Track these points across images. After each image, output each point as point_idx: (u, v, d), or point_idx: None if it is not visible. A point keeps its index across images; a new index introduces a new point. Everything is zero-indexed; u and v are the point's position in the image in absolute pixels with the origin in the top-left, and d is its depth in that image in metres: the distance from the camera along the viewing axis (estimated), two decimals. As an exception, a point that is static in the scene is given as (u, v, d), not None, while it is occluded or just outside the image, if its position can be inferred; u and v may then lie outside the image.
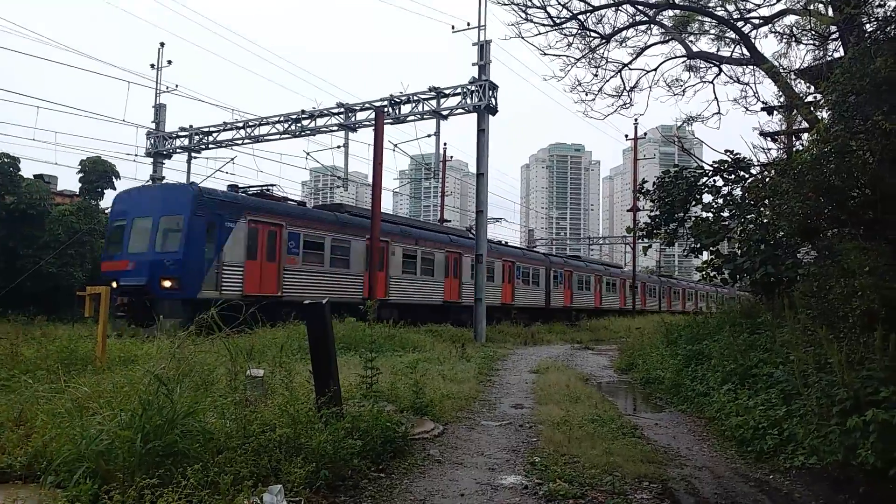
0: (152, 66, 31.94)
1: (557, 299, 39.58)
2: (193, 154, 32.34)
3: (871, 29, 11.33)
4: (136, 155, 31.39)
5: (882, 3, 12.02)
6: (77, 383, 6.11)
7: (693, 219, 14.52)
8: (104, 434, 4.53)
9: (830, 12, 12.99)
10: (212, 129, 31.03)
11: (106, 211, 26.93)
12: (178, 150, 32.53)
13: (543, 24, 16.58)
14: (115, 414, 4.83)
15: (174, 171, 29.91)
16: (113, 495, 3.99)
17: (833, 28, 13.43)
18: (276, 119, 28.89)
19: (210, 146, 31.50)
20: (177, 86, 31.68)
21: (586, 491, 5.38)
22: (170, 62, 32.18)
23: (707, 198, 14.33)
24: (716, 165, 13.96)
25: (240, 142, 30.20)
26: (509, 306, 33.34)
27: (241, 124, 29.96)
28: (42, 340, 9.95)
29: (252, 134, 29.72)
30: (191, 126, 31.76)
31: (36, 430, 5.12)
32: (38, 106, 23.66)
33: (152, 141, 32.40)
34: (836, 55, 13.21)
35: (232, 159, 30.28)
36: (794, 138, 14.65)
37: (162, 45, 32.15)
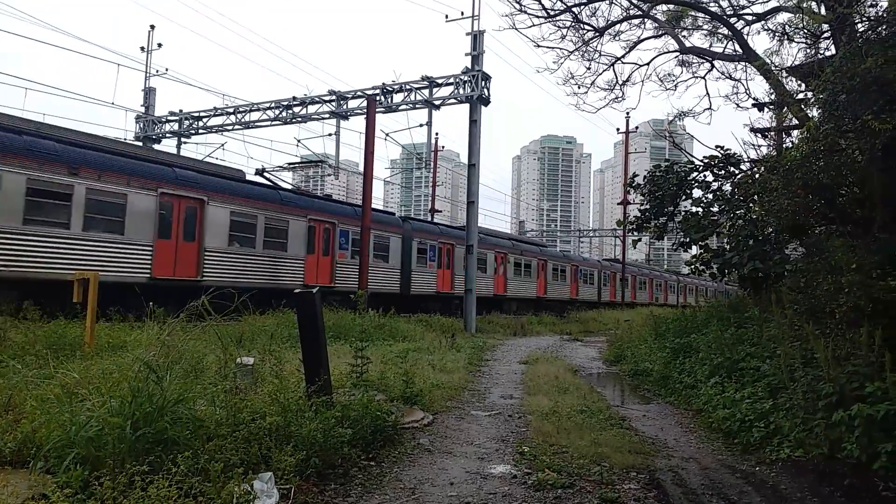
0: (142, 48, 31.67)
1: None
2: (183, 139, 32.10)
3: (862, 28, 11.39)
4: (125, 139, 31.09)
5: (874, 3, 12.09)
6: (66, 369, 6.08)
7: (683, 213, 14.61)
8: (94, 420, 4.51)
9: (823, 11, 13.03)
10: (202, 114, 30.81)
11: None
12: (167, 135, 32.27)
13: (537, 16, 16.55)
14: (104, 400, 4.82)
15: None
16: (103, 481, 3.98)
17: (825, 27, 13.49)
18: (267, 105, 28.71)
19: (200, 131, 31.28)
20: (167, 69, 31.54)
21: (575, 480, 5.43)
22: (160, 45, 31.93)
23: (697, 193, 14.42)
24: (706, 161, 14.03)
25: (230, 127, 30.02)
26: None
27: (231, 110, 29.77)
28: (30, 325, 9.87)
29: (243, 120, 29.53)
30: (181, 111, 31.51)
31: (25, 416, 5.09)
32: (26, 88, 23.42)
33: (142, 125, 32.13)
34: (828, 54, 13.27)
35: (222, 145, 30.13)
36: (784, 135, 14.75)
37: (152, 27, 31.86)
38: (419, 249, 27.63)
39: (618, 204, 46.85)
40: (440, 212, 46.05)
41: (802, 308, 8.03)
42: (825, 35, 14.01)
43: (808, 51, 14.93)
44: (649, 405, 9.71)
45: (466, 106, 24.34)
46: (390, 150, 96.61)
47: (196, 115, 31.05)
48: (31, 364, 6.93)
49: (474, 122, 24.03)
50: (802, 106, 13.24)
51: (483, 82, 23.96)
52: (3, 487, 4.18)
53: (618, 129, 48.12)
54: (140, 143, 30.56)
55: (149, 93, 32.23)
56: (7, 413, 5.43)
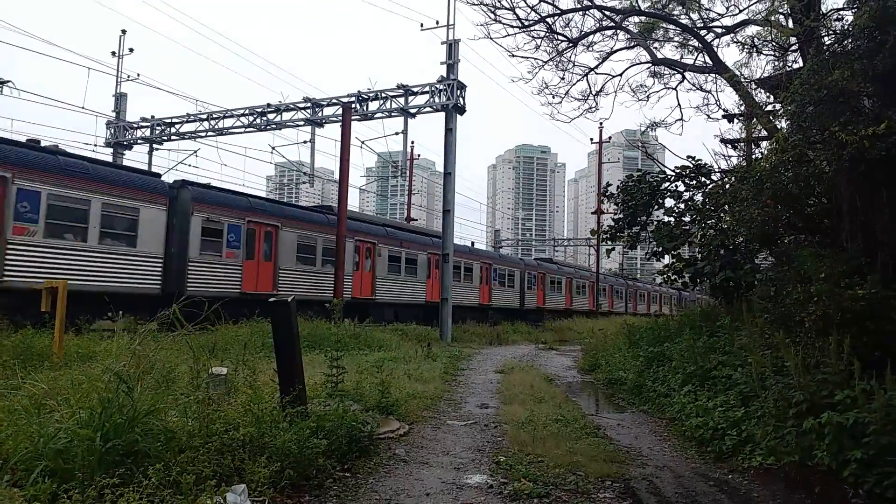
0: (113, 53, 31.21)
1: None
2: (155, 145, 31.69)
3: (829, 42, 11.66)
4: (95, 145, 30.60)
5: (840, 17, 12.40)
6: (34, 380, 5.94)
7: (655, 223, 14.77)
8: (63, 432, 4.42)
9: (791, 24, 13.32)
10: (174, 120, 30.48)
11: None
12: (139, 141, 31.84)
13: (512, 26, 16.67)
14: (73, 412, 4.72)
15: (135, 161, 29.32)
16: (72, 495, 3.89)
17: (793, 40, 13.78)
18: (241, 112, 28.50)
19: (173, 137, 30.93)
20: (139, 75, 31.05)
21: (550, 490, 5.44)
22: (131, 50, 31.50)
23: (669, 202, 14.58)
24: (678, 171, 14.21)
25: (203, 134, 29.71)
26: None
27: (204, 116, 29.47)
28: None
29: (216, 126, 29.26)
30: (153, 116, 31.14)
31: (-10, 428, 4.96)
32: (-9, 91, 22.81)
33: (112, 131, 31.66)
34: (796, 66, 13.55)
35: (195, 152, 29.83)
36: (753, 146, 15.00)
37: (123, 32, 31.43)
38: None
39: (591, 213, 47.31)
40: (416, 220, 46.00)
41: (773, 317, 8.15)
42: (793, 48, 14.31)
43: (777, 63, 15.24)
44: (624, 414, 9.77)
45: (442, 114, 24.41)
46: (366, 157, 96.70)
47: (168, 121, 30.70)
48: (-3, 375, 6.76)
49: (450, 131, 24.10)
50: (771, 117, 13.49)
51: (458, 91, 24.06)
52: (-33, 502, 4.06)
53: (591, 139, 48.74)
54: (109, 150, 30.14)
55: (120, 98, 31.78)
56: (-29, 425, 5.28)
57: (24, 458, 4.33)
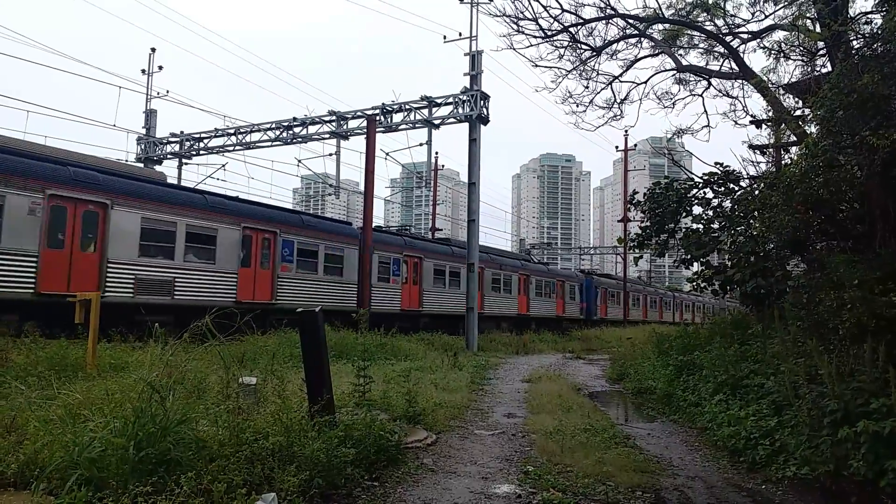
0: (143, 71, 31.93)
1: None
2: (184, 160, 32.24)
3: (857, 45, 11.49)
4: (126, 160, 31.23)
5: (868, 20, 12.21)
6: (68, 390, 6.07)
7: (683, 230, 14.62)
8: (97, 441, 4.50)
9: (818, 28, 13.14)
10: (203, 135, 30.98)
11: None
12: (168, 156, 32.42)
13: (535, 36, 16.66)
14: (107, 421, 4.80)
15: (166, 177, 29.95)
16: (106, 503, 3.96)
17: (821, 44, 13.60)
18: (268, 126, 28.86)
19: (201, 152, 31.43)
20: (168, 91, 31.84)
21: (580, 500, 5.40)
22: (161, 67, 32.18)
23: (697, 209, 14.44)
24: (706, 177, 14.07)
25: (231, 148, 30.16)
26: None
27: (232, 131, 29.92)
28: (32, 347, 9.85)
29: (243, 141, 29.67)
30: (182, 132, 31.68)
31: (28, 437, 5.07)
32: (27, 110, 23.45)
33: (143, 146, 32.28)
34: (824, 70, 13.36)
35: (223, 166, 30.28)
36: (782, 152, 14.80)
37: (153, 50, 32.15)
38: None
39: (618, 221, 46.95)
40: (441, 230, 46.11)
41: (805, 324, 8.02)
42: (821, 52, 14.11)
43: (805, 68, 15.03)
44: (653, 423, 9.65)
45: (466, 125, 24.48)
46: (390, 169, 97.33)
47: (197, 136, 31.22)
48: (34, 385, 6.91)
49: (474, 141, 24.15)
50: (800, 122, 13.30)
51: (482, 101, 24.12)
52: (5, 510, 4.16)
53: (616, 147, 48.42)
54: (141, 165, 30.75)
55: (150, 115, 32.43)
56: (10, 434, 5.41)
57: (59, 467, 4.43)
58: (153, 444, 4.55)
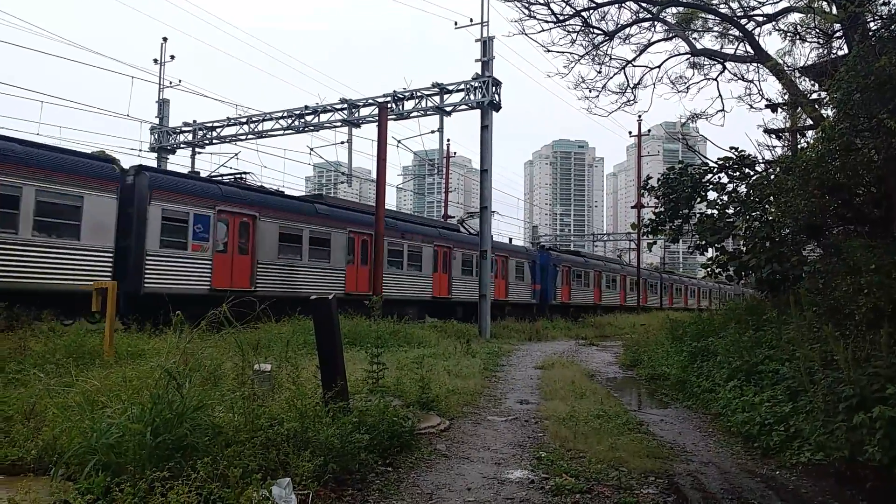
0: (155, 61, 32.07)
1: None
2: (197, 149, 32.38)
3: (875, 27, 11.31)
4: (140, 150, 31.59)
5: (886, 1, 12.00)
6: (86, 377, 6.14)
7: (698, 216, 14.52)
8: (115, 427, 4.55)
9: (834, 10, 12.94)
10: (215, 124, 31.09)
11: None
12: (181, 146, 32.58)
13: (547, 21, 16.55)
14: (125, 407, 4.86)
15: (178, 165, 30.16)
16: (124, 488, 4.01)
17: (837, 26, 13.40)
18: (280, 114, 28.91)
19: (214, 141, 31.56)
20: (180, 81, 31.89)
21: (593, 486, 5.41)
22: (173, 57, 32.31)
23: (712, 195, 14.32)
24: (720, 162, 13.95)
25: (243, 137, 30.26)
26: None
27: (244, 120, 30.00)
28: (50, 335, 9.98)
29: (256, 129, 29.75)
30: (194, 121, 31.81)
31: (46, 424, 5.15)
32: (42, 101, 23.68)
33: (156, 136, 32.45)
34: (841, 53, 13.17)
35: (236, 154, 30.43)
36: (798, 136, 14.63)
37: (165, 40, 32.26)
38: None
39: (631, 207, 46.76)
40: (453, 217, 46.05)
41: (821, 310, 7.95)
42: (837, 34, 13.91)
43: (821, 50, 14.84)
44: (667, 409, 9.64)
45: (478, 112, 24.38)
46: (402, 156, 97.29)
47: (209, 125, 31.33)
48: (52, 372, 7.00)
49: (486, 128, 24.06)
50: (816, 106, 13.15)
51: (493, 88, 24.01)
52: (25, 494, 4.22)
53: (630, 133, 48.04)
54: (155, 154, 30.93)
55: (163, 104, 32.58)
56: (29, 421, 5.50)
57: (77, 453, 4.49)
58: (170, 429, 4.60)
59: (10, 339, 9.33)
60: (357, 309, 18.94)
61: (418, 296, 26.93)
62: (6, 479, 4.59)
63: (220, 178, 22.85)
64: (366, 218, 23.99)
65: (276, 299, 14.53)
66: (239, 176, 23.16)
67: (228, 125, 30.60)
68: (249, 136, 30.03)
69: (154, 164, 31.96)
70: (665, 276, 58.13)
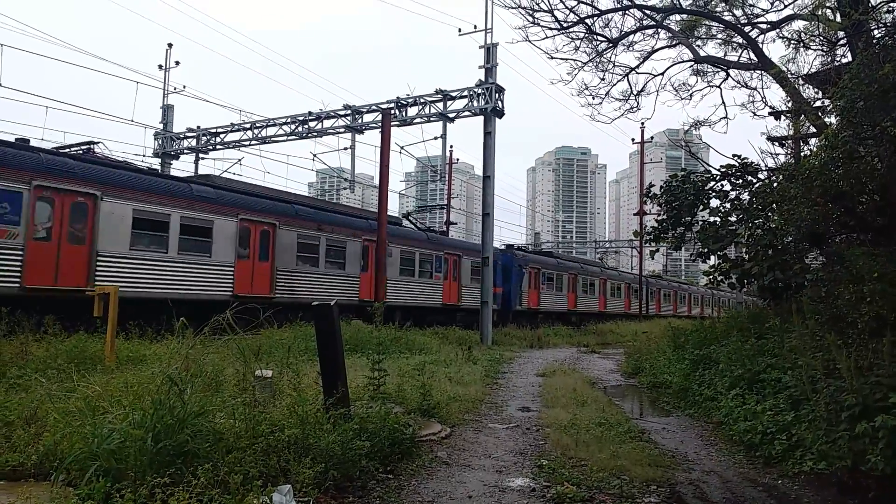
0: (160, 66, 32.13)
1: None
2: (201, 155, 32.46)
3: (879, 34, 11.32)
4: (144, 155, 31.46)
5: (890, 9, 12.02)
6: (88, 382, 6.14)
7: (700, 223, 14.50)
8: (116, 433, 4.55)
9: (838, 18, 12.96)
10: (219, 129, 31.14)
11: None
12: (185, 151, 32.65)
13: (550, 28, 16.62)
14: (126, 413, 4.86)
15: (182, 171, 30.18)
16: (125, 493, 4.01)
17: (841, 33, 13.41)
18: (283, 120, 28.97)
19: (217, 147, 31.61)
20: (184, 87, 31.89)
21: (594, 494, 5.39)
22: (177, 63, 32.39)
23: (714, 202, 14.31)
24: (723, 170, 13.94)
25: (247, 143, 30.31)
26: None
27: (248, 125, 30.04)
28: (51, 340, 9.99)
29: (259, 135, 29.80)
30: (198, 127, 31.88)
31: (47, 429, 5.15)
32: (46, 106, 23.77)
33: (160, 141, 32.53)
34: (845, 60, 13.18)
35: (239, 160, 30.41)
36: (801, 143, 14.63)
37: (170, 45, 32.33)
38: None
39: (634, 214, 46.64)
40: (455, 224, 46.06)
41: (824, 318, 7.93)
42: (841, 42, 13.92)
43: (825, 58, 14.85)
44: (669, 418, 9.61)
45: (481, 118, 24.42)
46: (405, 162, 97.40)
47: (213, 131, 31.40)
48: (54, 378, 7.00)
49: (489, 135, 24.08)
50: (820, 113, 13.14)
51: (497, 94, 24.04)
52: (25, 500, 4.22)
53: (633, 140, 48.04)
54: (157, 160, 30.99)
55: (167, 110, 32.66)
56: (30, 426, 5.50)
57: (78, 458, 4.49)
58: (171, 435, 4.60)
59: (11, 345, 9.33)
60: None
61: (344, 299, 22.17)
62: (7, 484, 4.59)
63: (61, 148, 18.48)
64: (264, 203, 20.05)
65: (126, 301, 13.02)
66: (87, 148, 19.60)
67: (232, 131, 30.66)
68: (253, 142, 30.08)
69: (158, 169, 32.08)
70: (652, 281, 54.73)
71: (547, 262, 38.19)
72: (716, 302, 62.59)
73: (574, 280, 39.63)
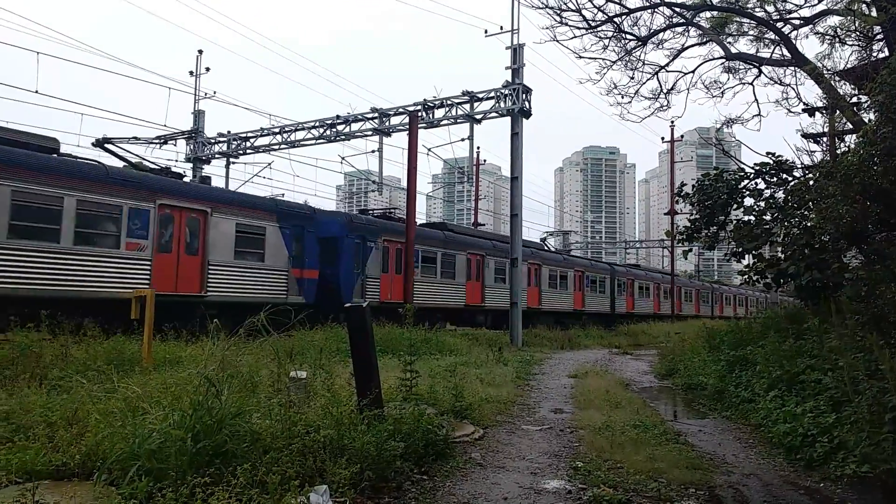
0: (191, 73, 32.63)
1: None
2: (232, 159, 32.88)
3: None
4: (176, 160, 32.03)
5: (928, 1, 11.69)
6: (127, 383, 6.25)
7: (734, 222, 14.27)
8: (156, 433, 4.62)
9: (875, 12, 12.67)
10: (249, 134, 31.53)
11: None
12: (216, 156, 33.11)
13: (578, 28, 16.48)
14: (166, 414, 4.94)
15: (213, 175, 30.45)
16: (166, 493, 4.07)
17: (878, 28, 13.11)
18: (312, 124, 29.21)
19: (248, 151, 32.01)
20: (215, 92, 32.34)
21: (631, 497, 5.32)
22: (208, 69, 32.85)
23: (748, 201, 14.06)
24: (757, 168, 13.70)
25: (277, 147, 30.62)
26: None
27: (277, 130, 30.37)
28: (90, 342, 10.19)
29: (288, 139, 30.10)
30: (229, 132, 32.31)
31: (89, 429, 5.25)
32: (82, 113, 24.43)
33: (192, 146, 33.04)
34: (882, 55, 12.89)
35: (269, 164, 30.77)
36: (838, 140, 14.32)
37: (200, 52, 32.84)
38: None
39: (664, 214, 46.12)
40: (483, 225, 46.02)
41: (864, 318, 7.76)
42: (878, 37, 13.62)
43: (861, 53, 14.54)
44: (705, 420, 9.46)
45: (508, 119, 24.35)
46: (432, 164, 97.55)
47: (243, 135, 31.80)
48: (94, 379, 7.14)
49: (516, 135, 24.00)
50: (856, 109, 12.86)
51: (524, 95, 23.96)
52: (69, 499, 4.31)
53: (662, 139, 47.49)
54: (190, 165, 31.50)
55: (198, 115, 33.15)
56: (72, 427, 5.61)
57: (120, 458, 4.56)
58: (210, 436, 4.65)
59: (52, 347, 9.54)
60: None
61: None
62: (52, 483, 4.68)
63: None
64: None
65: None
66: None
67: (262, 135, 31.02)
68: (282, 146, 30.39)
69: (189, 173, 32.58)
70: (658, 276, 50.24)
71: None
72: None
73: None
